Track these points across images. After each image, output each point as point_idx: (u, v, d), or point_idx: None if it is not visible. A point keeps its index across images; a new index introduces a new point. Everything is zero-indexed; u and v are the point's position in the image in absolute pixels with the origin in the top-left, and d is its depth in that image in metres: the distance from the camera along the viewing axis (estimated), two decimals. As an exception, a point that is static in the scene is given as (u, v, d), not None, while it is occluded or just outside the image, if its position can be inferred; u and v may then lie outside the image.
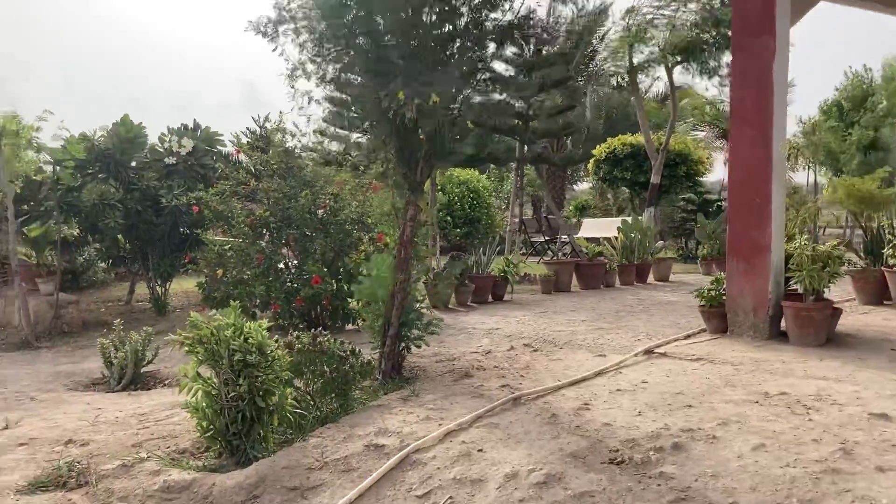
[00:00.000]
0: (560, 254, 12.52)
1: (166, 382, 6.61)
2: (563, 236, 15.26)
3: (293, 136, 8.63)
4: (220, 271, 8.36)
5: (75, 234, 10.39)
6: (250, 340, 4.17)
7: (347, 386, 4.88)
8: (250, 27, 5.20)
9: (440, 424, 4.26)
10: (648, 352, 6.32)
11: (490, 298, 10.25)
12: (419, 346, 5.99)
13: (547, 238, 15.86)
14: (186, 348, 4.14)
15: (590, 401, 4.73)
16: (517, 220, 14.08)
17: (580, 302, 10.02)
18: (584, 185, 36.35)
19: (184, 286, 11.33)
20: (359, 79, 5.41)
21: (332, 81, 5.54)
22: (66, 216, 10.03)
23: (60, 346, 8.78)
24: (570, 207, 25.25)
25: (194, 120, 10.48)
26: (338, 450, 3.96)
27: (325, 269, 8.27)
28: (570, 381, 5.28)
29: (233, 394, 4.08)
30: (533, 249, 16.34)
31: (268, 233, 8.23)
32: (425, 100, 4.84)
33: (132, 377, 6.34)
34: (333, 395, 4.84)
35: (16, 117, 8.90)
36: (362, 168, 8.63)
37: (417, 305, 5.95)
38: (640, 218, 13.74)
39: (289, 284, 7.96)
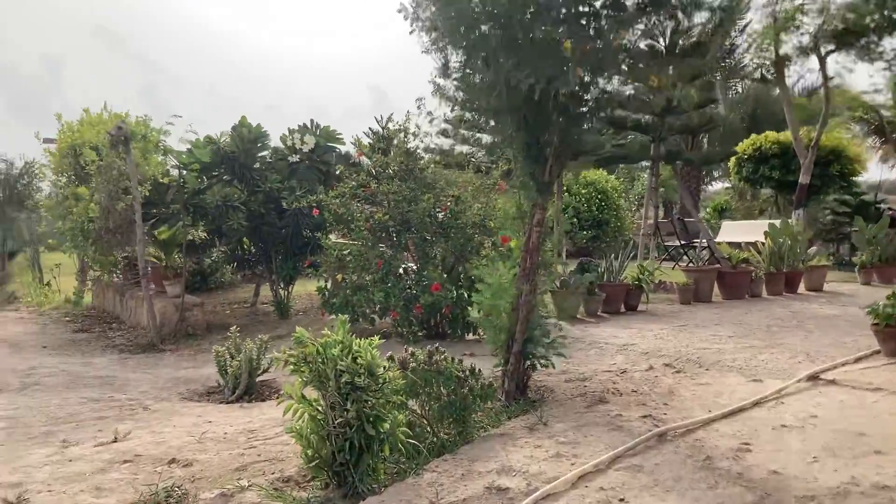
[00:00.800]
0: (699, 260, 11.57)
1: (281, 393, 6.34)
2: (702, 240, 14.17)
3: (415, 136, 8.23)
4: (339, 276, 8.10)
5: (202, 236, 10.50)
6: (359, 360, 3.74)
7: (466, 411, 4.37)
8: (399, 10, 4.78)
9: (573, 464, 3.67)
10: (813, 377, 5.46)
11: (622, 308, 9.49)
12: (546, 367, 5.42)
13: (683, 242, 14.81)
14: (291, 367, 3.77)
15: (750, 439, 4.00)
16: (650, 222, 13.18)
17: (724, 314, 9.09)
18: (716, 186, 34.39)
19: (308, 288, 11.23)
20: (483, 68, 4.91)
21: (455, 71, 5.08)
22: (193, 218, 10.12)
23: (184, 348, 8.80)
24: (709, 209, 23.74)
25: (312, 119, 10.34)
26: (455, 489, 3.46)
27: (446, 276, 7.83)
28: (723, 413, 4.55)
29: (340, 419, 3.66)
30: (667, 254, 15.31)
31: (387, 237, 7.88)
32: (560, 86, 4.28)
33: (246, 387, 6.11)
34: (451, 420, 4.35)
35: (145, 121, 9.02)
36: (485, 168, 8.15)
37: (543, 319, 5.37)
38: (788, 221, 12.50)
39: (408, 291, 7.57)
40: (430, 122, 7.86)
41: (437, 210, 7.89)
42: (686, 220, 16.46)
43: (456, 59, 4.91)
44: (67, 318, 11.02)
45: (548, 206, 5.15)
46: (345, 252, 7.88)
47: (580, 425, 4.45)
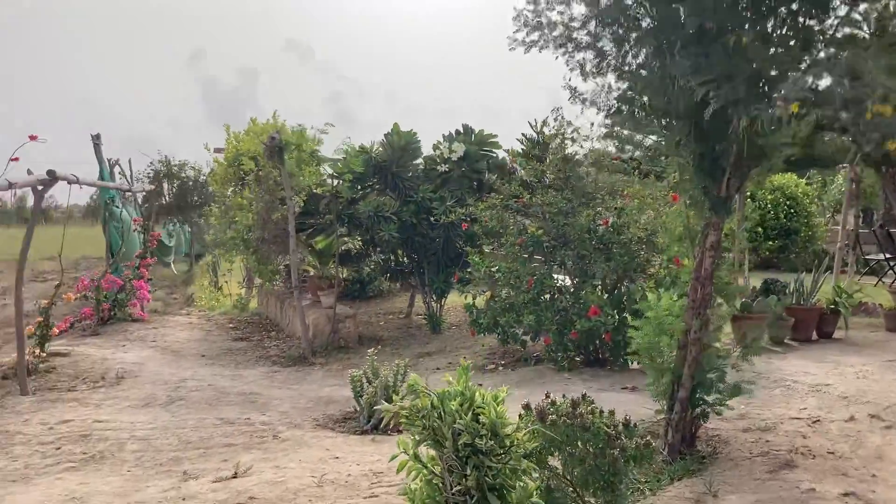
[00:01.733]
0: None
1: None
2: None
3: (573, 141, 7.52)
4: (487, 294, 7.55)
5: (358, 246, 10.34)
6: (482, 418, 3.13)
7: (616, 477, 3.64)
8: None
9: (750, 569, 2.86)
10: None
11: (814, 336, 8.20)
12: (719, 414, 4.55)
13: (888, 255, 12.91)
14: (404, 420, 3.24)
15: None
16: (850, 230, 11.55)
17: (947, 348, 7.60)
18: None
19: (463, 300, 10.79)
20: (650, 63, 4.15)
21: (616, 69, 4.35)
22: (348, 229, 9.97)
23: (333, 362, 8.61)
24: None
25: (465, 125, 9.84)
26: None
27: (606, 297, 7.05)
28: (959, 500, 3.51)
29: (458, 486, 3.08)
30: (868, 269, 13.44)
31: (541, 253, 7.22)
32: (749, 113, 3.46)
33: (382, 415, 5.68)
34: (597, 486, 3.64)
35: (301, 132, 8.94)
36: (654, 176, 7.26)
37: (719, 359, 4.49)
38: None
39: (562, 313, 6.87)
40: (592, 125, 7.08)
41: (598, 223, 7.13)
42: (892, 230, 14.40)
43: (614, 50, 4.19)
44: (231, 325, 11.27)
45: (724, 225, 4.29)
46: (493, 268, 7.31)
47: (760, 501, 3.58)
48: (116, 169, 15.80)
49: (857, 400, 5.58)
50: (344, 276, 12.64)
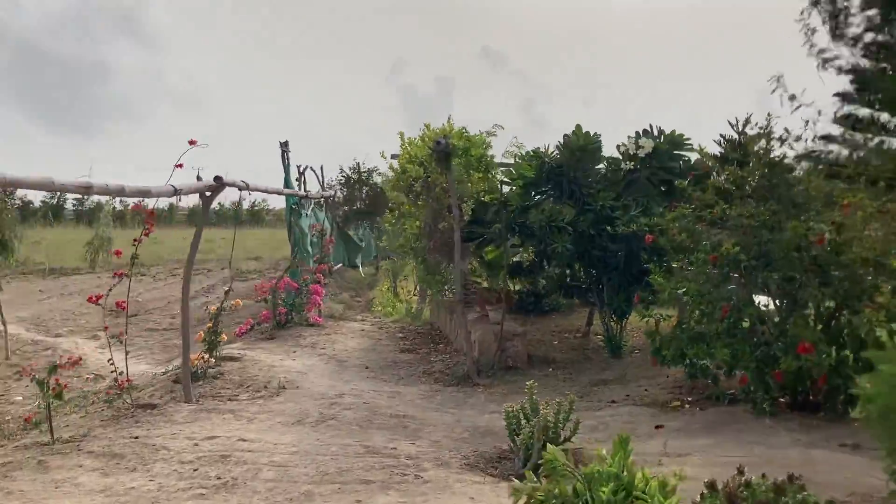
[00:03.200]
0: None
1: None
2: None
3: (783, 141, 6.32)
4: (673, 319, 6.56)
5: (530, 257, 9.65)
6: (642, 514, 2.32)
7: None
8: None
9: None
10: None
11: None
12: None
13: None
14: (539, 506, 2.50)
15: None
16: None
17: None
18: None
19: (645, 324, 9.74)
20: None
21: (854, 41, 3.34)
22: (521, 239, 9.29)
23: (498, 384, 7.95)
24: None
25: (651, 124, 8.81)
26: None
27: (821, 329, 5.82)
28: None
29: None
30: None
31: (738, 274, 6.12)
32: None
33: (539, 459, 4.93)
34: None
35: (468, 135, 8.39)
36: (885, 183, 5.91)
37: None
38: None
39: (763, 349, 5.74)
40: (806, 124, 5.88)
41: (811, 240, 5.91)
42: None
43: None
44: (401, 335, 10.99)
45: None
46: (680, 290, 6.30)
47: None
48: (309, 175, 16.27)
49: None
50: (517, 288, 11.98)
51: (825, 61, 3.55)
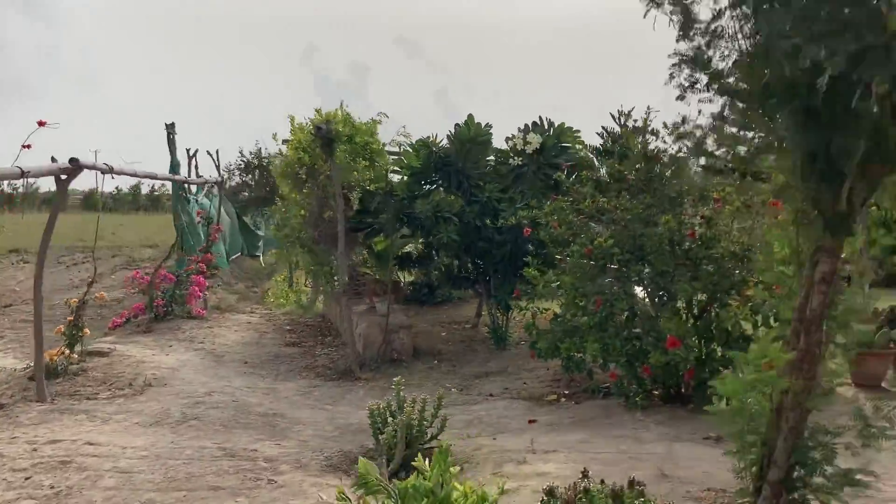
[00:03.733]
0: None
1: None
2: None
3: (656, 135, 6.35)
4: (548, 313, 6.51)
5: (419, 248, 9.48)
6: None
7: None
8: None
9: None
10: None
11: (955, 379, 6.71)
12: (826, 505, 3.38)
13: None
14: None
15: None
16: None
17: None
18: None
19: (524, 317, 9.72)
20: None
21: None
22: (412, 230, 9.10)
23: (380, 378, 7.74)
24: None
25: (542, 116, 8.77)
26: None
27: (692, 323, 5.88)
28: None
29: None
30: None
31: (612, 268, 6.10)
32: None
33: (403, 459, 4.75)
34: None
35: (348, 119, 8.10)
36: (753, 177, 5.98)
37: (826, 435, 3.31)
38: None
39: (634, 343, 5.74)
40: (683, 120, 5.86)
41: (683, 234, 5.96)
42: None
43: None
44: (289, 327, 10.64)
45: (840, 250, 3.12)
46: (553, 284, 6.25)
47: None
48: (207, 160, 15.63)
49: None
50: (411, 280, 11.82)
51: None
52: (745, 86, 3.28)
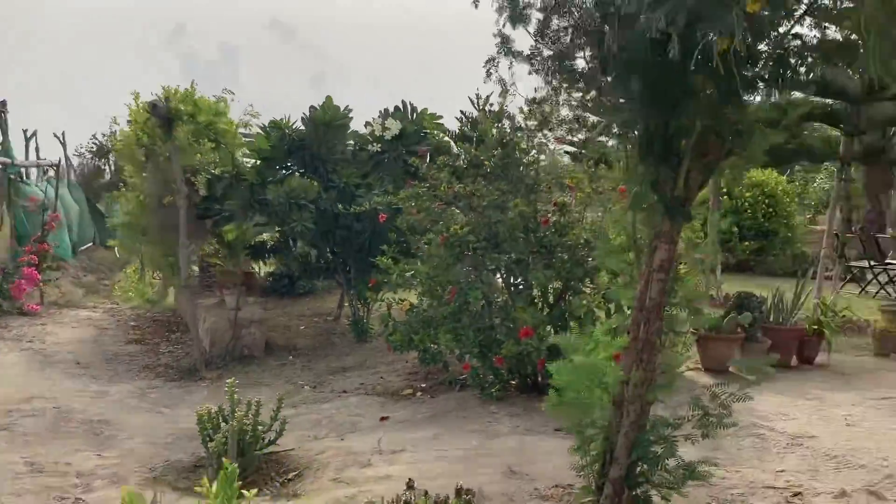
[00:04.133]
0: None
1: (292, 476, 4.55)
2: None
3: (511, 119, 6.20)
4: (404, 304, 6.26)
5: (275, 237, 9.00)
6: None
7: None
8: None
9: None
10: None
11: (794, 361, 6.99)
12: (667, 500, 3.28)
13: (873, 263, 11.76)
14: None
15: None
16: (834, 235, 10.41)
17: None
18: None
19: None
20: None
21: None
22: (269, 218, 8.58)
23: (227, 376, 7.18)
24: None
25: (404, 101, 8.48)
26: None
27: (546, 313, 5.77)
28: None
29: None
30: (851, 276, 12.29)
31: (468, 255, 5.91)
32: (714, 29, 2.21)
33: (240, 469, 4.34)
34: None
35: (190, 95, 7.51)
36: (606, 163, 5.95)
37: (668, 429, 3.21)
38: None
39: (487, 333, 5.57)
40: (534, 100, 5.73)
41: (539, 221, 5.84)
42: (879, 235, 13.29)
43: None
44: (134, 323, 9.87)
45: (678, 237, 3.00)
46: (408, 273, 6.00)
47: None
48: (53, 142, 14.42)
49: (847, 461, 4.35)
50: (270, 271, 11.30)
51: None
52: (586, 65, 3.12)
